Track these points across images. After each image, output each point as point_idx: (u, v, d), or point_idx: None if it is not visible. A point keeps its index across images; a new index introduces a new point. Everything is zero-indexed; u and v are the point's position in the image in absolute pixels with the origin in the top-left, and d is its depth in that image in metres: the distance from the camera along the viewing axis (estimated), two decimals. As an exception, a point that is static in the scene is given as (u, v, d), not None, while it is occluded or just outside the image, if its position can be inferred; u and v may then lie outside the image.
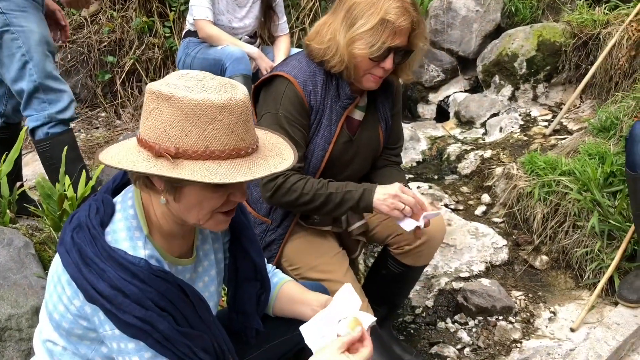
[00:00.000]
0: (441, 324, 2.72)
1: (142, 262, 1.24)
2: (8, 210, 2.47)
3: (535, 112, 4.30)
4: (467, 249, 3.08)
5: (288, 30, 3.92)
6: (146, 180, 1.28)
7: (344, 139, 2.10)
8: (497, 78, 4.49)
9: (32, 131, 2.70)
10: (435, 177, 3.90)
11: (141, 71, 4.90)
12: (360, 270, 2.87)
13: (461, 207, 3.50)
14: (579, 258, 2.87)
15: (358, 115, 2.14)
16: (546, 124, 4.11)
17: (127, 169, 1.21)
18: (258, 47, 3.78)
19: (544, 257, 3.04)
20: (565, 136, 3.84)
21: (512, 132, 4.07)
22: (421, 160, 4.11)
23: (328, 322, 1.43)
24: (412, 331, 2.70)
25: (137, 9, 4.94)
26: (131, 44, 4.93)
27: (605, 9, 4.24)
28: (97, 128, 4.76)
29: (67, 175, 2.43)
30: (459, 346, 2.60)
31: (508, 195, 3.30)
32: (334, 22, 1.98)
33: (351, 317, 1.41)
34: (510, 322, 2.69)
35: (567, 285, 2.90)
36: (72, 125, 2.86)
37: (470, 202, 3.55)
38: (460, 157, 3.95)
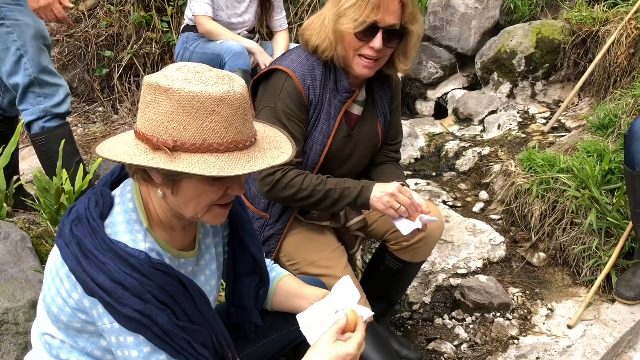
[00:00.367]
0: (438, 320, 2.72)
1: (142, 255, 1.23)
2: (5, 204, 2.46)
3: (533, 109, 4.30)
4: (465, 245, 3.08)
5: (287, 25, 3.91)
6: (144, 174, 1.27)
7: (343, 133, 2.09)
8: (495, 75, 4.49)
9: (28, 125, 2.69)
10: (433, 173, 3.90)
11: (139, 66, 4.88)
12: (358, 266, 2.86)
13: (459, 204, 3.50)
14: (576, 255, 2.87)
15: (356, 109, 2.14)
16: (544, 121, 4.11)
17: (124, 162, 1.20)
18: (257, 43, 3.77)
19: (542, 254, 3.04)
20: (563, 133, 3.84)
21: (510, 129, 4.07)
22: (419, 156, 4.11)
23: (325, 311, 1.43)
24: (409, 327, 2.70)
25: (134, 3, 4.91)
26: (129, 38, 4.91)
27: (604, 6, 4.24)
28: (94, 122, 4.74)
29: (64, 169, 2.42)
30: (456, 342, 2.60)
31: (506, 192, 3.30)
32: (324, 11, 1.99)
33: (348, 308, 1.41)
34: (508, 319, 2.69)
35: (565, 282, 2.91)
36: (68, 119, 2.85)
37: (468, 199, 3.55)
38: (458, 154, 3.95)
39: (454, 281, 2.87)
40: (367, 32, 1.91)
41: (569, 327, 2.58)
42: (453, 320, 2.73)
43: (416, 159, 4.08)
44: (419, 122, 4.53)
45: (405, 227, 1.92)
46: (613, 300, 2.65)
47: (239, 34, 3.70)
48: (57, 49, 4.88)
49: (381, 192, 1.92)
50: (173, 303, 1.25)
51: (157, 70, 1.31)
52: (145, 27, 4.92)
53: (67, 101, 2.73)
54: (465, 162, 3.83)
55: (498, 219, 3.31)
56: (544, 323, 2.66)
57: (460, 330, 2.65)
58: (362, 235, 2.31)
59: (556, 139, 3.76)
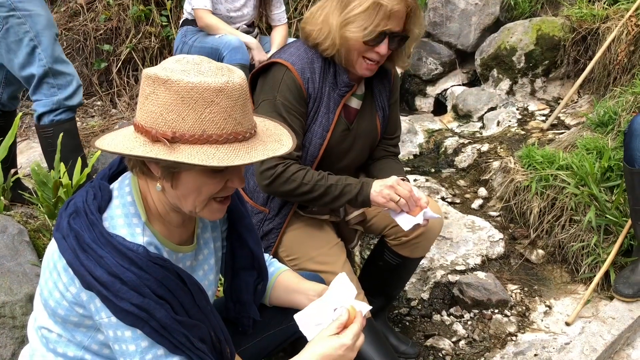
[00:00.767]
0: (437, 317, 2.72)
1: (140, 249, 1.22)
2: (2, 197, 2.45)
3: (532, 106, 4.30)
4: (464, 242, 3.08)
5: (286, 20, 3.90)
6: (143, 167, 1.26)
7: (342, 127, 2.08)
8: (495, 72, 4.48)
9: (39, 117, 2.67)
10: (432, 170, 3.89)
11: (137, 60, 4.87)
12: (357, 261, 2.86)
13: (458, 201, 3.49)
14: (575, 252, 2.87)
15: (355, 103, 2.13)
16: (544, 118, 4.11)
17: (123, 153, 1.19)
18: (255, 37, 3.76)
19: (540, 251, 3.04)
20: (562, 131, 3.83)
21: (509, 126, 4.07)
22: (418, 153, 4.10)
23: (323, 310, 1.42)
24: (407, 323, 2.70)
25: (134, -3, 4.90)
26: (128, 32, 4.89)
27: (604, 3, 4.23)
28: (93, 117, 4.73)
29: (62, 163, 2.41)
30: (454, 339, 2.60)
31: (505, 189, 3.29)
32: (328, 5, 1.96)
33: (347, 305, 1.40)
34: (506, 316, 2.69)
35: (563, 279, 2.91)
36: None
37: (467, 196, 3.55)
38: (457, 151, 3.94)
39: (452, 278, 2.87)
40: (375, 39, 1.91)
41: (567, 324, 2.58)
42: (451, 316, 2.73)
43: (415, 155, 4.08)
44: (418, 119, 4.52)
45: (406, 222, 1.91)
46: (611, 298, 2.65)
47: (237, 28, 3.69)
48: (56, 43, 4.86)
49: (381, 186, 1.93)
50: (171, 297, 1.24)
51: (156, 65, 1.31)
52: (144, 21, 4.90)
53: (79, 93, 2.72)
54: (465, 159, 3.82)
55: (497, 216, 3.31)
56: (542, 320, 2.66)
57: (458, 327, 2.65)
58: (361, 229, 2.30)
59: (556, 136, 3.75)
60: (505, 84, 4.45)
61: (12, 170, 2.73)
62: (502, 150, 3.75)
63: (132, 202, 1.30)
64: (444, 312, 2.74)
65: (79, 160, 2.48)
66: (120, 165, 1.42)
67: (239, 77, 1.22)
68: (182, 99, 1.16)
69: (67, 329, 1.32)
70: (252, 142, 1.23)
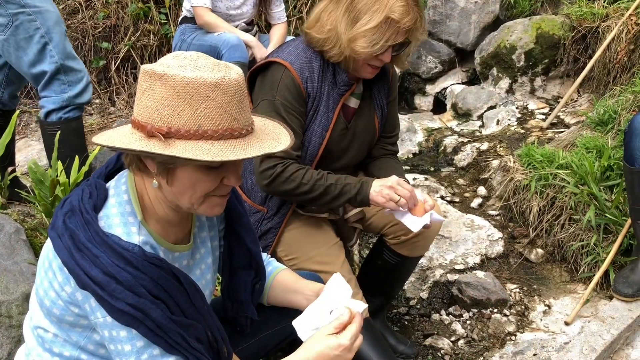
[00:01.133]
0: (435, 316, 2.71)
1: (136, 249, 1.21)
2: (-1, 196, 2.44)
3: (532, 105, 4.29)
4: (463, 241, 3.07)
5: (285, 18, 3.89)
6: (139, 164, 1.26)
7: (341, 126, 2.08)
8: (494, 70, 4.47)
9: (47, 113, 2.65)
10: (432, 169, 3.88)
11: (136, 58, 4.85)
12: (355, 261, 2.85)
13: (457, 200, 3.48)
14: (574, 252, 2.86)
15: (353, 102, 2.12)
16: (543, 117, 4.10)
17: (118, 147, 1.19)
18: (254, 35, 3.75)
19: (540, 251, 3.03)
20: (562, 129, 3.82)
21: (509, 124, 4.06)
22: (417, 151, 4.09)
23: (320, 313, 1.41)
24: (406, 322, 2.69)
25: (132, -5, 4.88)
26: (126, 30, 4.87)
27: (604, 2, 4.22)
28: (91, 115, 4.71)
29: (59, 161, 2.39)
30: (453, 338, 2.59)
31: (504, 188, 3.28)
32: (334, 10, 1.93)
33: (343, 307, 1.39)
34: (505, 315, 2.68)
35: (562, 278, 2.90)
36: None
37: (466, 195, 3.54)
38: (456, 149, 3.93)
39: (451, 277, 2.86)
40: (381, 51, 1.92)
41: (567, 323, 2.57)
42: (450, 316, 2.72)
43: (414, 154, 4.07)
44: (417, 117, 4.51)
45: (414, 224, 1.91)
46: (611, 297, 2.65)
47: (236, 26, 3.68)
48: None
49: (381, 186, 1.92)
50: (167, 297, 1.23)
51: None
52: (143, 18, 4.88)
53: (89, 90, 2.70)
54: (464, 158, 3.81)
55: (496, 215, 3.30)
56: (541, 319, 2.65)
57: (457, 326, 2.64)
58: (360, 227, 2.29)
59: (555, 135, 3.74)
60: (504, 83, 4.44)
61: (10, 169, 2.71)
62: (501, 149, 3.74)
63: (128, 200, 1.29)
64: (442, 312, 2.74)
65: (77, 158, 2.47)
66: (117, 163, 1.41)
67: (235, 73, 1.21)
68: (178, 93, 1.16)
69: (62, 328, 1.31)
70: (248, 139, 1.22)
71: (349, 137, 2.11)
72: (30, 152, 3.93)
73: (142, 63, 4.83)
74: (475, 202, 3.43)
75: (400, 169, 2.26)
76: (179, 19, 3.89)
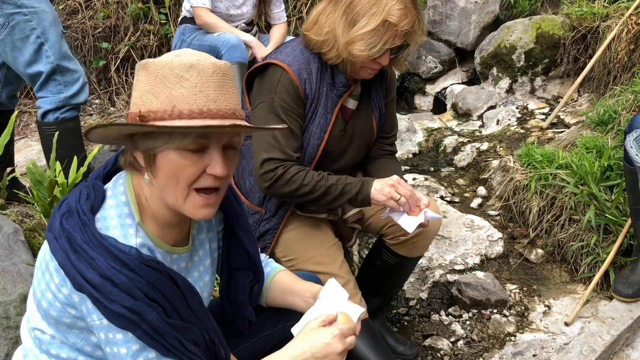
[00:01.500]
0: (435, 317, 2.71)
1: (132, 251, 1.20)
2: (-2, 196, 2.44)
3: (532, 105, 4.28)
4: (462, 241, 3.06)
5: (285, 18, 3.88)
6: (133, 161, 1.27)
7: (339, 127, 2.07)
8: (494, 70, 4.46)
9: (44, 114, 2.65)
10: (431, 169, 3.88)
11: (136, 58, 4.84)
12: (355, 261, 2.85)
13: (457, 200, 3.48)
14: (574, 252, 2.85)
15: (351, 104, 2.11)
16: (543, 117, 4.09)
17: (101, 125, 1.19)
18: (254, 36, 3.75)
19: (540, 251, 3.03)
20: (562, 129, 3.82)
21: (509, 124, 4.05)
22: (417, 152, 4.08)
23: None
24: (405, 323, 2.68)
25: (132, -5, 4.87)
26: (126, 30, 4.87)
27: (604, 1, 4.22)
28: (91, 115, 4.71)
29: (57, 161, 2.39)
30: (452, 339, 2.58)
31: (504, 188, 3.28)
32: (332, 13, 1.93)
33: (339, 312, 1.39)
34: (505, 316, 2.68)
35: (562, 279, 2.89)
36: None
37: (466, 195, 3.53)
38: (456, 149, 3.93)
39: (451, 277, 2.85)
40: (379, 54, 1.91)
41: (567, 324, 2.56)
42: (450, 316, 2.71)
43: (414, 154, 4.06)
44: (417, 117, 4.50)
45: (409, 224, 1.91)
46: (611, 298, 2.64)
47: (236, 26, 3.68)
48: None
49: (382, 185, 1.92)
50: (163, 300, 1.22)
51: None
52: (142, 19, 4.87)
53: (86, 90, 2.70)
54: (464, 158, 3.81)
55: (496, 215, 3.29)
56: (541, 320, 2.64)
57: (456, 327, 2.64)
58: (359, 228, 2.29)
59: (555, 135, 3.74)
60: (504, 83, 4.43)
61: (9, 169, 2.71)
62: (501, 149, 3.74)
63: (126, 202, 1.28)
64: (442, 312, 2.73)
65: (75, 159, 2.46)
66: (115, 164, 1.41)
67: (214, 60, 1.23)
68: (156, 77, 1.19)
69: (60, 330, 1.31)
70: (228, 121, 1.22)
71: (347, 138, 2.11)
72: (29, 153, 3.93)
73: (141, 63, 4.82)
74: (475, 202, 3.42)
75: (398, 169, 2.25)
76: (179, 19, 3.89)
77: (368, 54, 1.88)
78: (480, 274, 2.83)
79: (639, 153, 2.33)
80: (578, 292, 2.78)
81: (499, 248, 3.06)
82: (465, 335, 2.60)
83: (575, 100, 4.14)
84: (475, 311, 2.71)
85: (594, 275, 2.70)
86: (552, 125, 3.91)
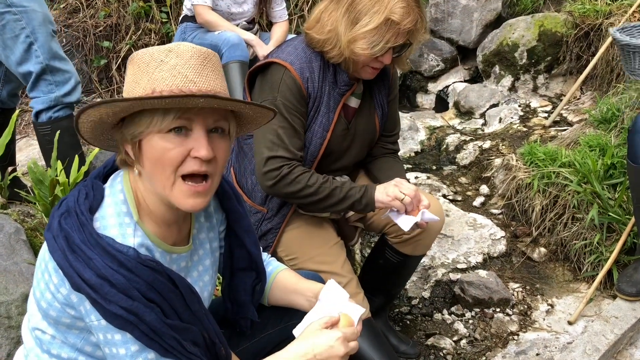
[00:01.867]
0: (437, 315, 2.70)
1: (130, 251, 1.19)
2: (-1, 196, 2.43)
3: (535, 103, 4.26)
4: (465, 240, 3.05)
5: (287, 16, 3.87)
6: (126, 157, 1.28)
7: (342, 126, 2.06)
8: (497, 68, 4.45)
9: (37, 114, 2.65)
10: (434, 167, 3.87)
11: (137, 57, 4.84)
12: (357, 260, 2.84)
13: (459, 198, 3.47)
14: (577, 250, 2.84)
15: (354, 102, 2.11)
16: (546, 115, 4.08)
17: (88, 105, 1.19)
18: (255, 34, 3.74)
19: (542, 249, 3.01)
20: (565, 127, 3.80)
21: (511, 122, 4.04)
22: (420, 150, 4.07)
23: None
24: (408, 322, 2.68)
25: (133, -6, 4.87)
26: (127, 29, 4.86)
27: (608, -1, 4.20)
28: (93, 114, 4.70)
29: (59, 161, 2.38)
30: (455, 338, 2.57)
31: (507, 186, 3.27)
32: (335, 11, 1.92)
33: (340, 313, 1.38)
34: (508, 314, 2.67)
35: (565, 277, 2.88)
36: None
37: (469, 193, 3.52)
38: (459, 148, 3.91)
39: (453, 276, 2.85)
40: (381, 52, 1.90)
41: (570, 323, 2.55)
42: (452, 315, 2.70)
43: (416, 153, 4.05)
44: (419, 116, 4.49)
45: (405, 223, 1.91)
46: (614, 297, 2.63)
47: (237, 24, 3.67)
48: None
49: (385, 186, 1.93)
50: (162, 301, 1.21)
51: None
52: (144, 17, 4.87)
53: (78, 89, 2.70)
54: (466, 156, 3.80)
55: (499, 214, 3.28)
56: (544, 319, 2.63)
57: (459, 326, 2.63)
58: (361, 226, 2.28)
59: (558, 133, 3.72)
60: (507, 81, 4.42)
61: (10, 168, 2.71)
62: (504, 147, 3.73)
63: (124, 200, 1.28)
64: (445, 311, 2.72)
65: (76, 158, 2.46)
66: (114, 163, 1.40)
67: (197, 46, 1.25)
68: (138, 66, 1.22)
69: (60, 330, 1.30)
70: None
71: (349, 137, 2.10)
72: (31, 152, 3.92)
73: (143, 62, 4.81)
74: (477, 201, 3.41)
75: (401, 168, 2.24)
76: (180, 18, 3.88)
77: (370, 52, 1.87)
78: (482, 273, 2.82)
79: None
80: (581, 290, 2.76)
81: (501, 247, 3.05)
82: (468, 334, 2.59)
83: (578, 98, 4.12)
84: (478, 310, 2.70)
85: (597, 274, 2.68)
86: (555, 123, 3.90)
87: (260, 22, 4.11)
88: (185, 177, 1.24)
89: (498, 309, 2.69)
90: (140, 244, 1.24)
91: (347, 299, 1.44)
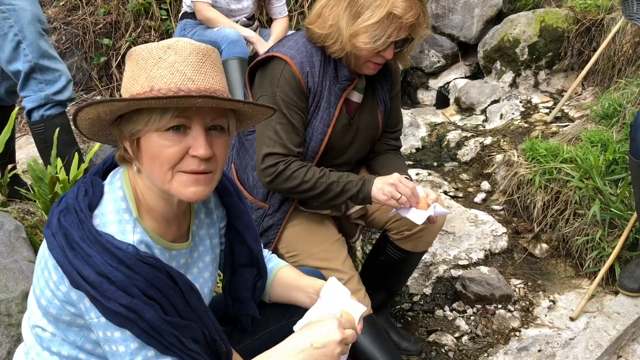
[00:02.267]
0: (439, 312, 2.69)
1: (129, 248, 1.19)
2: (-1, 193, 2.42)
3: (536, 98, 4.25)
4: (467, 236, 3.04)
5: (287, 13, 3.86)
6: (125, 153, 1.27)
7: (343, 122, 2.05)
8: (498, 64, 4.43)
9: (29, 113, 2.64)
10: (435, 164, 3.86)
11: (137, 54, 4.83)
12: (358, 257, 2.83)
13: (460, 195, 3.46)
14: (579, 246, 2.83)
15: (356, 97, 2.09)
16: (547, 111, 4.07)
17: (85, 104, 1.18)
18: (255, 30, 3.73)
19: (544, 245, 3.01)
20: (566, 123, 3.79)
21: (512, 118, 4.03)
22: (420, 146, 4.06)
23: (318, 317, 1.39)
24: (409, 319, 2.67)
25: (133, -9, 4.85)
26: (127, 26, 4.85)
27: (609, -6, 4.18)
28: (93, 111, 4.70)
29: (59, 158, 2.38)
30: (457, 334, 2.57)
31: (508, 182, 3.26)
32: (336, 5, 1.91)
33: (340, 309, 1.38)
34: (509, 311, 2.66)
35: (567, 273, 2.87)
36: (67, 108, 2.81)
37: (470, 190, 3.51)
38: (460, 144, 3.90)
39: (455, 272, 2.84)
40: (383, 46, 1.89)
41: (572, 319, 2.55)
42: (454, 312, 2.70)
43: (417, 149, 4.04)
44: (420, 112, 4.48)
45: (417, 216, 1.89)
46: (616, 292, 2.62)
47: (237, 21, 3.66)
48: (55, 37, 4.82)
49: (382, 183, 1.91)
50: (161, 298, 1.20)
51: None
52: (143, 14, 4.86)
53: (69, 88, 2.69)
54: (467, 152, 3.79)
55: (500, 210, 3.27)
56: (546, 315, 2.63)
57: (461, 322, 2.62)
58: (362, 224, 2.27)
59: (559, 129, 3.71)
60: (508, 77, 4.40)
61: (10, 166, 2.70)
62: (505, 143, 3.71)
63: (124, 197, 1.27)
64: (446, 308, 2.71)
65: (76, 155, 2.45)
66: (114, 160, 1.39)
67: (196, 42, 1.23)
68: (137, 62, 1.21)
69: (60, 327, 1.29)
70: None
71: (351, 132, 2.09)
72: (31, 150, 3.91)
73: (143, 59, 4.80)
74: (478, 197, 3.40)
75: (403, 164, 2.23)
76: (180, 15, 3.87)
77: (372, 46, 1.86)
78: (484, 269, 2.82)
79: None
80: (583, 286, 2.76)
81: (503, 243, 3.04)
82: (469, 330, 2.58)
83: (580, 94, 4.11)
84: (479, 306, 2.69)
85: (599, 270, 2.68)
86: (556, 119, 3.89)
87: (260, 19, 4.09)
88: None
89: (500, 306, 2.68)
90: (139, 241, 1.23)
91: (348, 297, 1.44)
